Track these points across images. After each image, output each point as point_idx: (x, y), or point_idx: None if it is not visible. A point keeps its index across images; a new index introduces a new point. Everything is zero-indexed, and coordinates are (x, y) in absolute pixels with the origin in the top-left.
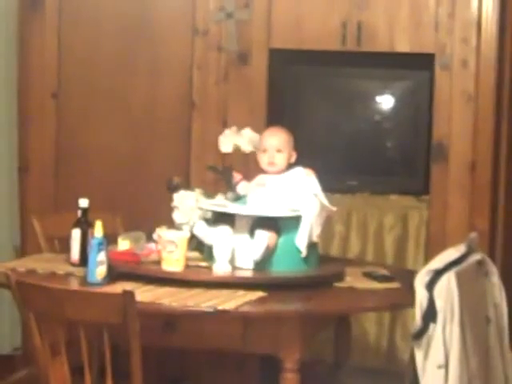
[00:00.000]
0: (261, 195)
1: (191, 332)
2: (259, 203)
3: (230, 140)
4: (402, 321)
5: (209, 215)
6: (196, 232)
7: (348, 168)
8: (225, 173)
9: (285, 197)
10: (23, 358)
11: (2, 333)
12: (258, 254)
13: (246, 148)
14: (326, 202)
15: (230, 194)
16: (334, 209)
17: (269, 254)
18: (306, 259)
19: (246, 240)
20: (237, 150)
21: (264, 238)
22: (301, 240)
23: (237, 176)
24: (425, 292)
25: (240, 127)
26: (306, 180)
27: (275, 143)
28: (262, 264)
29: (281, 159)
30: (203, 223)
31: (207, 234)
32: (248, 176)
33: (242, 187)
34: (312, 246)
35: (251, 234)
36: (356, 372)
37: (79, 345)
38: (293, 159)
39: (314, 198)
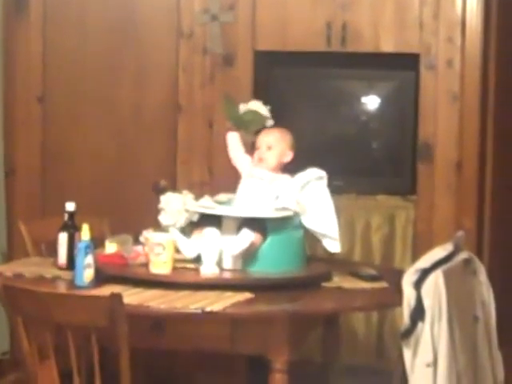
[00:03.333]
0: (248, 196)
1: (179, 334)
2: (246, 204)
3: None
4: (391, 319)
5: (195, 217)
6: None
7: (334, 169)
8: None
9: (280, 196)
10: (11, 362)
11: None
12: (236, 250)
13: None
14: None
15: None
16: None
17: (251, 253)
18: (293, 260)
19: (234, 241)
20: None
21: (248, 237)
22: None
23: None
24: (412, 291)
25: (226, 129)
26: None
27: (266, 140)
28: (249, 265)
29: (270, 156)
30: (177, 233)
31: (185, 244)
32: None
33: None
34: (299, 246)
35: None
36: (345, 371)
37: (68, 348)
38: (287, 158)
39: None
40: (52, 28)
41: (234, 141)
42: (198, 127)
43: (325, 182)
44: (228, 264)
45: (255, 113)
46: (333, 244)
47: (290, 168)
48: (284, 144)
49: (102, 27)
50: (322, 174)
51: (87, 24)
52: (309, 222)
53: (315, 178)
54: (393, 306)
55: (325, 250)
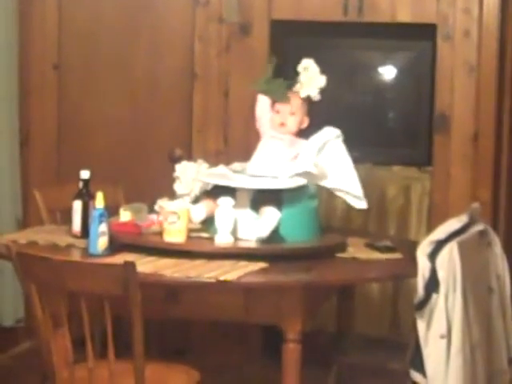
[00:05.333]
0: (267, 156)
1: (193, 303)
2: (262, 168)
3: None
4: (405, 291)
5: (210, 186)
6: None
7: (350, 139)
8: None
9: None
10: (26, 330)
11: (4, 305)
12: (266, 231)
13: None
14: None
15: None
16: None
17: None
18: (307, 230)
19: (248, 211)
20: None
21: (274, 216)
22: (356, 188)
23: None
24: (427, 262)
25: (241, 98)
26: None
27: (289, 106)
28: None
29: (292, 122)
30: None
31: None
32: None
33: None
34: (314, 216)
35: (253, 204)
36: (359, 342)
37: (81, 316)
38: (305, 125)
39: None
40: None
41: (264, 102)
42: (213, 96)
43: (341, 140)
44: (242, 233)
45: (281, 84)
46: (358, 201)
47: (306, 136)
48: (303, 111)
49: None
50: (338, 132)
51: None
52: (331, 182)
53: (332, 138)
54: (407, 277)
55: (340, 219)
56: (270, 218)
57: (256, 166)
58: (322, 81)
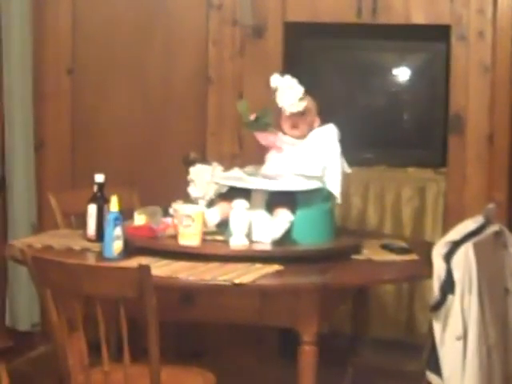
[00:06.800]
0: (277, 166)
1: (208, 306)
2: (275, 171)
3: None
4: (421, 292)
5: (224, 189)
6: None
7: (365, 141)
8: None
9: (304, 161)
10: (42, 334)
11: (20, 309)
12: (278, 233)
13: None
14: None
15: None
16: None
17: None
18: (322, 232)
19: (263, 213)
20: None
21: (286, 218)
22: (335, 185)
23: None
24: (443, 263)
25: (255, 100)
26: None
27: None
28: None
29: (304, 123)
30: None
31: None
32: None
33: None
34: (329, 218)
35: (268, 206)
36: (374, 344)
37: (96, 320)
38: (316, 125)
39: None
40: (81, 0)
41: (261, 135)
42: (227, 99)
43: (336, 137)
44: (257, 236)
45: (264, 113)
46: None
47: None
48: (314, 112)
49: None
50: (334, 130)
51: None
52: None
53: (327, 136)
54: (423, 279)
55: (356, 221)
56: (282, 219)
57: (270, 169)
58: (298, 92)
